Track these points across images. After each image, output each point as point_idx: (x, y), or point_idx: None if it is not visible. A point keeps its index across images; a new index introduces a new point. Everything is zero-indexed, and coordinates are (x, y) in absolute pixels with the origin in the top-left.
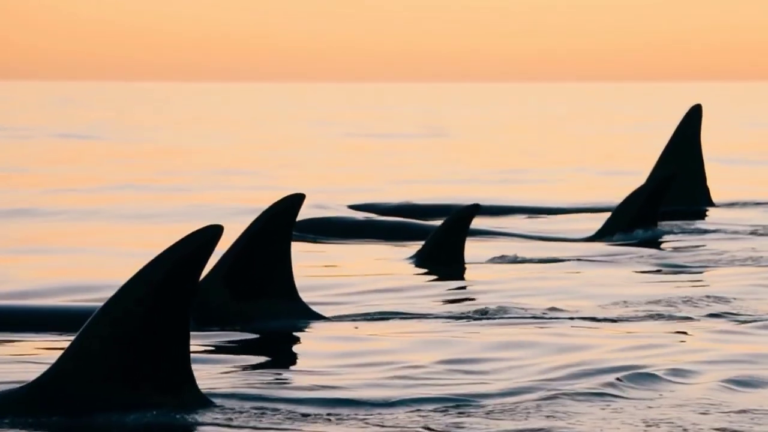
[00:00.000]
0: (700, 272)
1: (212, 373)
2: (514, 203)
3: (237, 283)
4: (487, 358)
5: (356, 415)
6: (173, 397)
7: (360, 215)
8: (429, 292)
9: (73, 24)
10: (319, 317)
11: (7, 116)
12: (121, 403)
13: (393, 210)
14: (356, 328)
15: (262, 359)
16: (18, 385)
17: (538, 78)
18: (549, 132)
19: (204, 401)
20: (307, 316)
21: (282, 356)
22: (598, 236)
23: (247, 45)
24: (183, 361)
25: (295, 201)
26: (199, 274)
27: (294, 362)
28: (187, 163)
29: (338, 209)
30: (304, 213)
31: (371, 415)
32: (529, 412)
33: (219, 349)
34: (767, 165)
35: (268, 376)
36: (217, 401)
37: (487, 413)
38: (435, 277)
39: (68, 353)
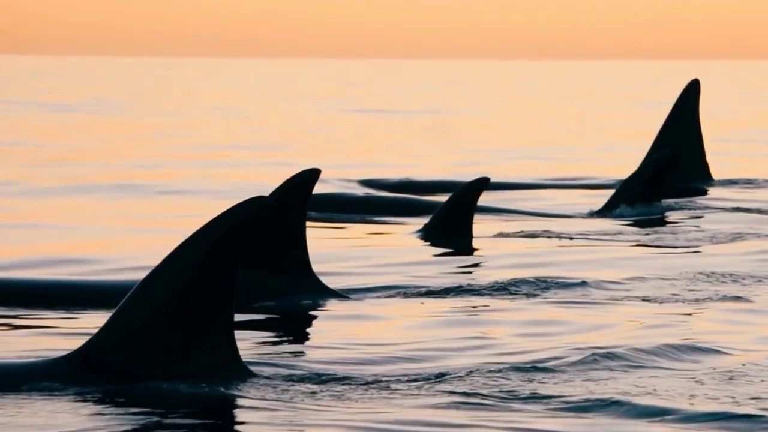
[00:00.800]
0: (706, 248)
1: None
2: (514, 179)
3: (251, 257)
4: (522, 333)
5: (401, 386)
6: (218, 370)
7: (360, 191)
8: (440, 267)
9: None
10: (334, 293)
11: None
12: (163, 375)
13: (393, 186)
14: (374, 305)
15: (283, 334)
16: (57, 355)
17: (527, 55)
18: (545, 109)
19: (249, 374)
20: (322, 292)
21: (300, 331)
22: (602, 213)
23: (224, 20)
24: (227, 333)
25: (310, 175)
26: (244, 246)
27: (313, 336)
28: (186, 140)
29: (336, 185)
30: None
31: (415, 385)
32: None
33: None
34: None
35: (296, 350)
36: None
37: (530, 380)
38: (444, 251)
39: (110, 324)
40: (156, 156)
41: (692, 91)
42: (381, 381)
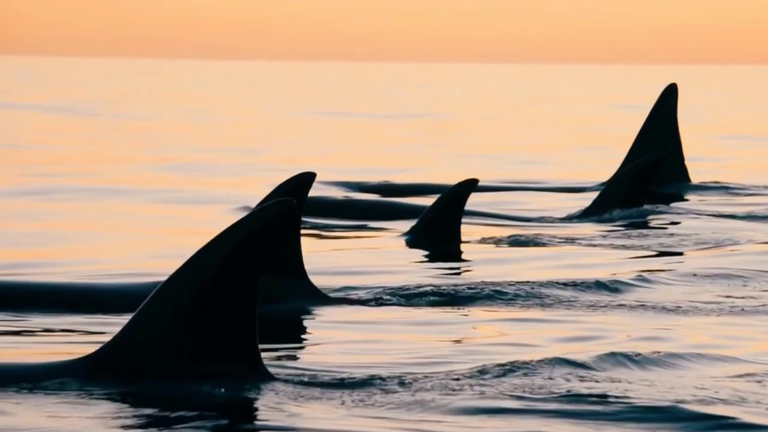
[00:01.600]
0: (692, 252)
1: None
2: (495, 183)
3: None
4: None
5: (420, 385)
6: (240, 374)
7: (338, 194)
8: (427, 272)
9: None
10: (327, 298)
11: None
12: (184, 378)
13: (372, 189)
14: (367, 310)
15: (280, 339)
16: (78, 356)
17: (500, 59)
18: (525, 112)
19: (271, 378)
20: (315, 296)
21: (297, 336)
22: (585, 216)
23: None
24: (250, 337)
25: (305, 179)
26: (268, 249)
27: (312, 340)
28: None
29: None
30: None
31: (432, 383)
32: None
33: None
34: (745, 144)
35: (298, 354)
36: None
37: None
38: (432, 256)
39: (130, 325)
40: (127, 160)
41: (670, 95)
42: (404, 383)
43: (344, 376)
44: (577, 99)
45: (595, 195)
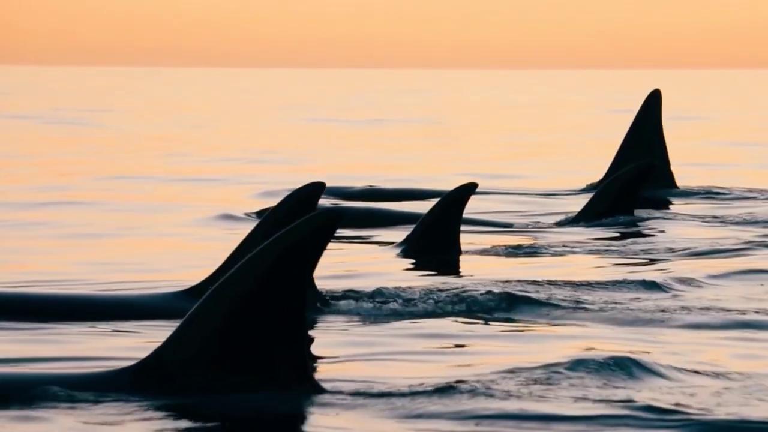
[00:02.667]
0: (685, 259)
1: None
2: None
3: None
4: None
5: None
6: (287, 384)
7: (324, 201)
8: (428, 282)
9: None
10: (338, 310)
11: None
12: (231, 388)
13: (356, 195)
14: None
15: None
16: (122, 366)
17: (480, 65)
18: (513, 118)
19: (319, 389)
20: (328, 306)
21: (313, 345)
22: (574, 222)
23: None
24: (298, 346)
25: (315, 189)
26: (318, 257)
27: (330, 350)
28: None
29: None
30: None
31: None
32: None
33: None
34: (732, 148)
35: (339, 365)
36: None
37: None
38: (431, 266)
39: (176, 335)
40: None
41: (653, 101)
42: (450, 393)
43: (389, 387)
44: (575, 104)
45: (574, 200)
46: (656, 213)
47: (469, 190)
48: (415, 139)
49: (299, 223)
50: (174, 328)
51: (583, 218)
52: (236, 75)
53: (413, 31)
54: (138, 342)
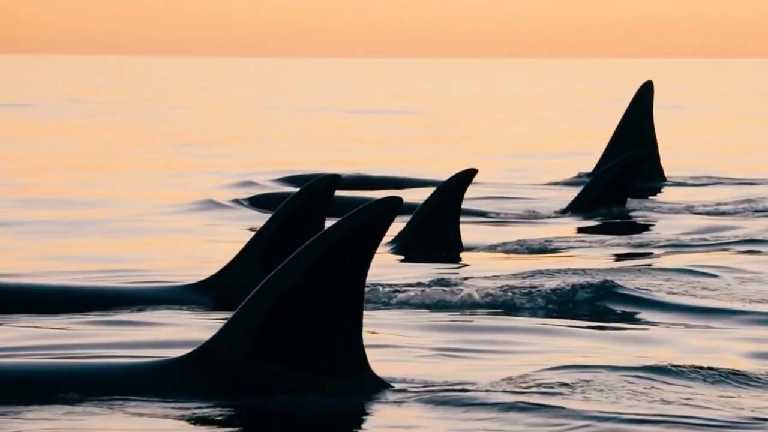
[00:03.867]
0: (681, 248)
1: None
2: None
3: (267, 266)
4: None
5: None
6: (344, 375)
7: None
8: (433, 276)
9: None
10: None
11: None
12: (287, 379)
13: (345, 182)
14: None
15: None
16: (174, 356)
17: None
18: (493, 109)
19: (377, 380)
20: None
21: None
22: (568, 213)
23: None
24: (355, 337)
25: (329, 181)
26: (375, 247)
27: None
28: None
29: (273, 184)
30: (268, 187)
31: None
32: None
33: None
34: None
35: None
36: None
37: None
38: (433, 259)
39: (230, 325)
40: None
41: (646, 93)
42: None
43: (441, 380)
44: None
45: (566, 190)
46: (649, 203)
47: (468, 176)
48: (399, 129)
49: (359, 210)
50: (186, 321)
51: (576, 208)
52: (203, 64)
53: (387, 20)
54: (148, 335)
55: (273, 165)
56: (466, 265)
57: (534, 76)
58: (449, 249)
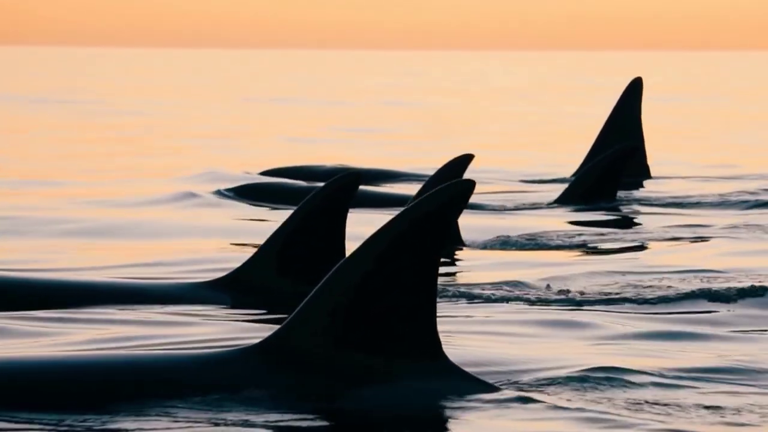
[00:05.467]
0: (673, 243)
1: None
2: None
3: (287, 263)
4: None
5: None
6: (420, 360)
7: (296, 181)
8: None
9: None
10: None
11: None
12: (361, 367)
13: (326, 174)
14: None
15: None
16: (243, 345)
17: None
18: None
19: (453, 368)
20: None
21: None
22: (556, 205)
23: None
24: (430, 323)
25: (351, 180)
26: (448, 230)
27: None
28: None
29: (260, 176)
30: (241, 179)
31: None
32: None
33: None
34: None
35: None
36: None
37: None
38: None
39: (302, 311)
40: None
41: (635, 89)
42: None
43: (516, 368)
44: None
45: (552, 186)
46: (637, 196)
47: (465, 162)
48: (383, 120)
49: (433, 193)
50: (206, 319)
51: (565, 201)
52: (182, 56)
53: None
54: (169, 333)
55: (252, 156)
56: (460, 260)
57: (527, 68)
58: (451, 237)
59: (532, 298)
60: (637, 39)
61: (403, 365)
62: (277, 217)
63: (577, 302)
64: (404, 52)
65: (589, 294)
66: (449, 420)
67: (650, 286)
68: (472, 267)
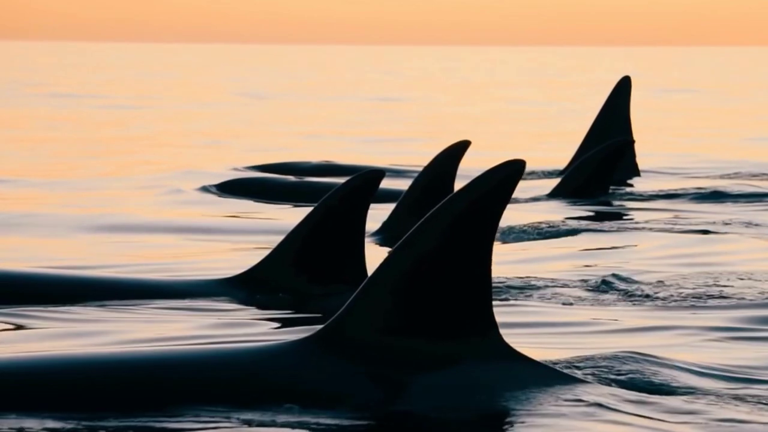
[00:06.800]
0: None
1: None
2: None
3: (305, 262)
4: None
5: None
6: (477, 349)
7: (282, 176)
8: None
9: None
10: None
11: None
12: (420, 352)
13: (312, 170)
14: None
15: None
16: (300, 335)
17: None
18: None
19: (511, 353)
20: None
21: None
22: (551, 198)
23: None
24: (486, 305)
25: (373, 178)
26: (502, 210)
27: None
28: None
29: (248, 171)
30: (226, 174)
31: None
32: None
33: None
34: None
35: None
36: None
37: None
38: None
39: (357, 299)
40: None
41: (623, 88)
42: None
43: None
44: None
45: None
46: (628, 191)
47: (462, 148)
48: (368, 114)
49: (485, 175)
50: (222, 316)
51: (558, 195)
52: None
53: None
54: (188, 330)
55: (239, 153)
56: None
57: (524, 63)
58: None
59: (518, 293)
60: (635, 36)
61: (462, 348)
62: (261, 213)
63: (568, 300)
64: (385, 47)
65: (580, 288)
66: (513, 402)
67: (641, 282)
68: None
